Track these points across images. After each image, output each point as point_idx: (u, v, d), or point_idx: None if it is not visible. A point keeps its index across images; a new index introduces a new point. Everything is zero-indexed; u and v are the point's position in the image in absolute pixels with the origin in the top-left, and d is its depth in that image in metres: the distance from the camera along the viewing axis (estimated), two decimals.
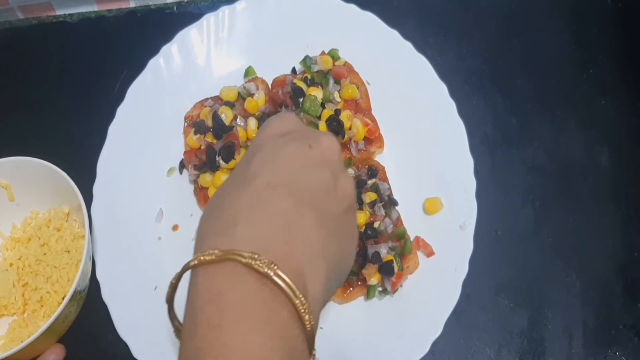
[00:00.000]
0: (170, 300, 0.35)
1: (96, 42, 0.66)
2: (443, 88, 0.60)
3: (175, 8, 0.67)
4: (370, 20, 0.62)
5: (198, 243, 0.35)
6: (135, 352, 0.53)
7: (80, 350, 0.54)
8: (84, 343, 0.55)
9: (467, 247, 0.55)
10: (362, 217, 0.54)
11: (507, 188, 0.61)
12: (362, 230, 0.54)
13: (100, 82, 0.63)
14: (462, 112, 0.59)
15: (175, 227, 0.58)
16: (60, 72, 0.65)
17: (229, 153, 0.55)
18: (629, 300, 0.58)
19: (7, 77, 0.65)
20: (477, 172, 0.57)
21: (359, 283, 0.55)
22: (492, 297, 0.57)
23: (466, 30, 0.66)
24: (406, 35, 0.62)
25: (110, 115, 0.59)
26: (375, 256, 0.53)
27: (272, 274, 0.30)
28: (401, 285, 0.55)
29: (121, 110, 0.59)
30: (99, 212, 0.56)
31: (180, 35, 0.61)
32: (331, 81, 0.59)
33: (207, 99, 0.60)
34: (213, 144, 0.57)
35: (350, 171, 0.58)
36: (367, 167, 0.58)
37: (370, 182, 0.57)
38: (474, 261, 0.55)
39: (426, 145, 0.59)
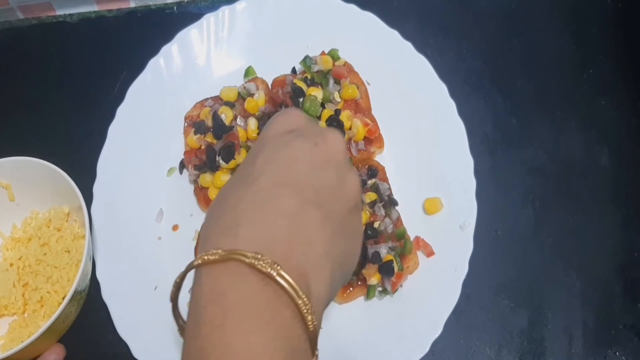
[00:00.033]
0: (174, 299, 0.35)
1: (96, 42, 0.66)
2: (443, 88, 0.60)
3: (175, 8, 0.67)
4: (370, 20, 0.62)
5: (202, 242, 0.35)
6: (135, 352, 0.53)
7: (80, 350, 0.54)
8: (84, 343, 0.55)
9: (467, 247, 0.55)
10: (362, 217, 0.54)
11: (507, 188, 0.61)
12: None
13: (100, 82, 0.63)
14: (462, 112, 0.59)
15: (175, 227, 0.58)
16: (60, 72, 0.65)
17: (229, 153, 0.55)
18: (629, 300, 0.58)
19: (7, 77, 0.65)
20: (477, 172, 0.57)
21: (359, 283, 0.55)
22: (492, 297, 0.57)
23: (466, 30, 0.66)
24: (406, 35, 0.62)
25: (110, 115, 0.59)
26: (375, 256, 0.53)
27: (275, 274, 0.30)
28: (401, 285, 0.55)
29: (121, 110, 0.59)
30: (99, 212, 0.56)
31: (180, 35, 0.61)
32: (331, 81, 0.59)
33: (207, 99, 0.60)
34: (213, 144, 0.57)
35: None
36: (367, 167, 0.58)
37: (370, 182, 0.57)
38: (474, 261, 0.55)
39: (426, 145, 0.59)
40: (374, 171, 0.57)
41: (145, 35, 0.65)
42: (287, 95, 0.58)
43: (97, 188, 0.57)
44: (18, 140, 0.61)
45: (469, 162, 0.58)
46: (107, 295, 0.54)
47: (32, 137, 0.62)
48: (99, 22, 0.67)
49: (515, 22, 0.67)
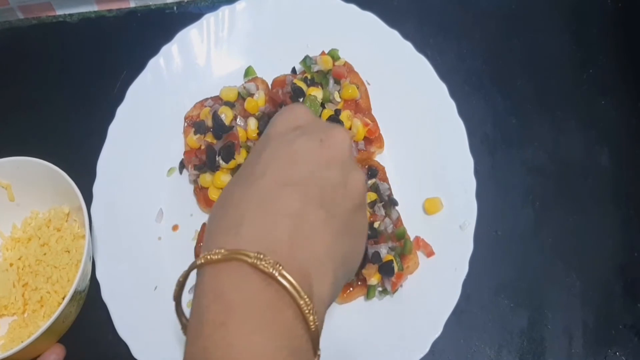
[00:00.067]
0: (177, 297, 0.35)
1: (96, 42, 0.66)
2: (443, 88, 0.60)
3: (175, 8, 0.67)
4: (370, 20, 0.62)
5: (205, 241, 0.35)
6: (135, 352, 0.53)
7: (80, 350, 0.54)
8: (84, 343, 0.55)
9: (467, 247, 0.55)
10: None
11: (507, 188, 0.61)
12: None
13: (100, 82, 0.63)
14: (462, 112, 0.59)
15: (175, 227, 0.58)
16: (60, 72, 0.65)
17: (229, 153, 0.55)
18: (629, 300, 0.58)
19: (7, 77, 0.65)
20: (477, 172, 0.57)
21: (359, 283, 0.55)
22: (492, 297, 0.57)
23: (466, 30, 0.66)
24: (406, 35, 0.62)
25: (110, 115, 0.59)
26: (375, 256, 0.53)
27: (277, 274, 0.30)
28: (401, 285, 0.55)
29: (121, 110, 0.59)
30: (99, 212, 0.56)
31: (180, 35, 0.61)
32: (331, 81, 0.59)
33: (207, 99, 0.60)
34: (213, 144, 0.57)
35: None
36: (367, 167, 0.58)
37: (370, 182, 0.57)
38: (474, 261, 0.55)
39: (426, 145, 0.59)
40: (374, 171, 0.57)
41: (145, 35, 0.65)
42: (287, 95, 0.58)
43: (97, 188, 0.57)
44: (18, 140, 0.61)
45: (469, 162, 0.58)
46: (107, 295, 0.54)
47: (32, 137, 0.62)
48: (99, 22, 0.67)
49: (515, 22, 0.67)
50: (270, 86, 0.61)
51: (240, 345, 0.30)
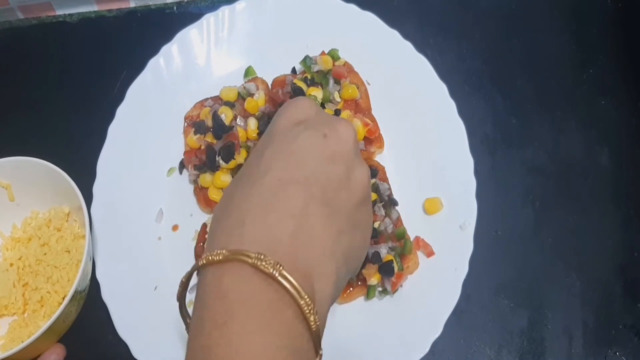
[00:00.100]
0: (181, 298, 0.35)
1: (96, 42, 0.66)
2: (443, 88, 0.60)
3: (175, 8, 0.67)
4: (370, 20, 0.62)
5: (208, 240, 0.35)
6: (135, 352, 0.53)
7: (80, 350, 0.54)
8: (84, 343, 0.55)
9: (467, 247, 0.55)
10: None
11: (507, 188, 0.61)
12: None
13: (100, 82, 0.63)
14: (462, 112, 0.59)
15: (175, 227, 0.58)
16: (60, 72, 0.65)
17: (229, 153, 0.55)
18: (629, 300, 0.58)
19: (7, 77, 0.65)
20: (477, 172, 0.57)
21: (359, 283, 0.55)
22: (492, 297, 0.57)
23: (466, 30, 0.66)
24: (406, 35, 0.62)
25: (110, 115, 0.59)
26: (375, 256, 0.53)
27: (277, 274, 0.31)
28: (401, 285, 0.55)
29: (121, 110, 0.59)
30: (99, 212, 0.56)
31: (180, 35, 0.61)
32: (331, 81, 0.59)
33: (207, 99, 0.60)
34: (213, 144, 0.57)
35: None
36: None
37: (370, 182, 0.57)
38: (474, 261, 0.55)
39: (426, 145, 0.59)
40: (374, 171, 0.57)
41: (145, 35, 0.65)
42: (287, 95, 0.58)
43: (97, 188, 0.57)
44: (18, 140, 0.61)
45: (469, 162, 0.58)
46: (107, 295, 0.54)
47: (32, 137, 0.62)
48: (99, 22, 0.67)
49: (515, 22, 0.67)
50: (270, 86, 0.61)
51: (241, 344, 0.30)
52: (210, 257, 0.32)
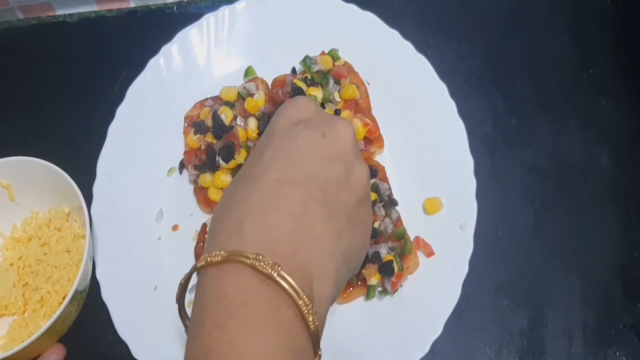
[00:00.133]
0: (180, 300, 0.35)
1: (96, 42, 0.66)
2: (443, 88, 0.60)
3: (175, 8, 0.67)
4: (370, 20, 0.62)
5: (208, 240, 0.35)
6: (135, 352, 0.53)
7: (80, 350, 0.54)
8: (84, 343, 0.55)
9: (467, 247, 0.55)
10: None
11: (507, 188, 0.61)
12: None
13: (100, 82, 0.63)
14: (462, 112, 0.59)
15: (175, 227, 0.58)
16: (60, 72, 0.65)
17: (229, 153, 0.55)
18: (629, 300, 0.58)
19: (7, 77, 0.65)
20: (477, 172, 0.57)
21: (359, 283, 0.55)
22: (492, 297, 0.57)
23: (466, 30, 0.66)
24: (406, 35, 0.62)
25: (110, 115, 0.59)
26: (375, 256, 0.53)
27: (275, 275, 0.31)
28: (401, 285, 0.55)
29: (121, 110, 0.59)
30: (99, 212, 0.56)
31: (180, 35, 0.61)
32: (331, 81, 0.59)
33: (207, 99, 0.60)
34: (213, 144, 0.57)
35: None
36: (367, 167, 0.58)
37: (370, 182, 0.57)
38: (474, 261, 0.55)
39: (426, 145, 0.59)
40: (374, 171, 0.57)
41: (145, 35, 0.65)
42: (287, 95, 0.58)
43: (97, 188, 0.57)
44: (18, 140, 0.61)
45: (469, 162, 0.58)
46: (107, 295, 0.54)
47: (32, 137, 0.62)
48: (99, 22, 0.67)
49: (515, 22, 0.67)
50: (270, 86, 0.61)
51: (241, 344, 0.30)
52: (209, 259, 0.32)
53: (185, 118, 0.60)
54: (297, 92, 0.57)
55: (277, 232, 0.33)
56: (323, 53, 0.60)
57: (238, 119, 0.57)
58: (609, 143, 0.62)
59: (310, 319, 0.31)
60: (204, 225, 0.57)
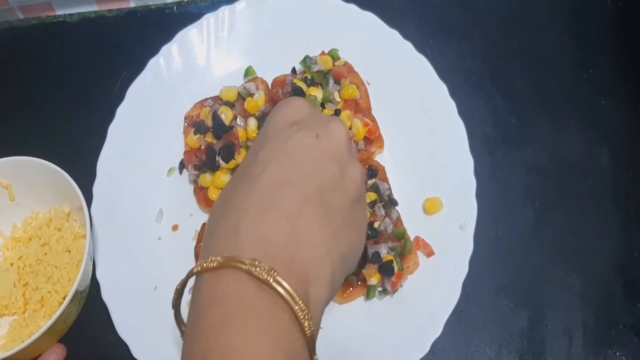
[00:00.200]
0: (176, 305, 0.35)
1: (96, 42, 0.66)
2: (443, 88, 0.60)
3: (175, 8, 0.67)
4: (370, 20, 0.62)
5: (204, 244, 0.35)
6: (135, 352, 0.53)
7: (80, 350, 0.54)
8: (84, 343, 0.55)
9: (467, 247, 0.55)
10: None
11: (507, 188, 0.61)
12: None
13: (100, 82, 0.63)
14: (462, 112, 0.59)
15: (175, 227, 0.58)
16: (60, 72, 0.65)
17: (228, 153, 0.55)
18: (629, 300, 0.58)
19: (7, 77, 0.65)
20: (477, 172, 0.57)
21: (359, 283, 0.55)
22: (492, 297, 0.57)
23: (466, 31, 0.66)
24: (406, 35, 0.62)
25: (110, 115, 0.59)
26: (375, 256, 0.53)
27: (271, 280, 0.31)
28: (401, 285, 0.55)
29: (121, 110, 0.59)
30: (99, 212, 0.56)
31: (180, 35, 0.61)
32: (331, 81, 0.59)
33: (207, 99, 0.60)
34: (213, 144, 0.57)
35: None
36: (367, 167, 0.58)
37: (370, 182, 0.57)
38: (474, 261, 0.55)
39: (426, 145, 0.59)
40: (374, 171, 0.57)
41: (145, 35, 0.65)
42: (287, 95, 0.58)
43: (97, 188, 0.57)
44: (18, 140, 0.61)
45: (469, 162, 0.58)
46: (107, 295, 0.54)
47: (32, 137, 0.62)
48: (99, 22, 0.67)
49: (515, 22, 0.67)
50: (270, 86, 0.61)
51: (238, 348, 0.30)
52: (205, 264, 0.32)
53: (185, 118, 0.60)
54: (297, 92, 0.57)
55: (273, 234, 0.33)
56: (323, 53, 0.60)
57: (238, 119, 0.57)
58: (609, 143, 0.62)
59: (306, 324, 0.31)
60: (204, 225, 0.57)
